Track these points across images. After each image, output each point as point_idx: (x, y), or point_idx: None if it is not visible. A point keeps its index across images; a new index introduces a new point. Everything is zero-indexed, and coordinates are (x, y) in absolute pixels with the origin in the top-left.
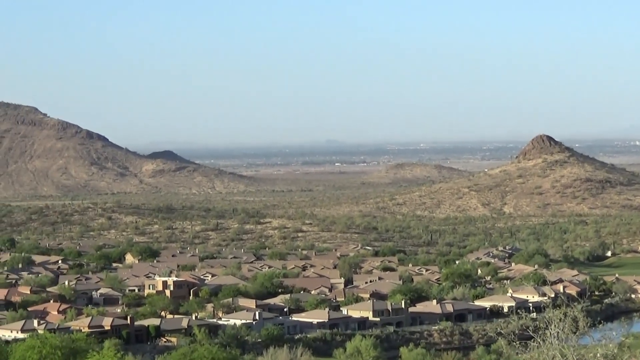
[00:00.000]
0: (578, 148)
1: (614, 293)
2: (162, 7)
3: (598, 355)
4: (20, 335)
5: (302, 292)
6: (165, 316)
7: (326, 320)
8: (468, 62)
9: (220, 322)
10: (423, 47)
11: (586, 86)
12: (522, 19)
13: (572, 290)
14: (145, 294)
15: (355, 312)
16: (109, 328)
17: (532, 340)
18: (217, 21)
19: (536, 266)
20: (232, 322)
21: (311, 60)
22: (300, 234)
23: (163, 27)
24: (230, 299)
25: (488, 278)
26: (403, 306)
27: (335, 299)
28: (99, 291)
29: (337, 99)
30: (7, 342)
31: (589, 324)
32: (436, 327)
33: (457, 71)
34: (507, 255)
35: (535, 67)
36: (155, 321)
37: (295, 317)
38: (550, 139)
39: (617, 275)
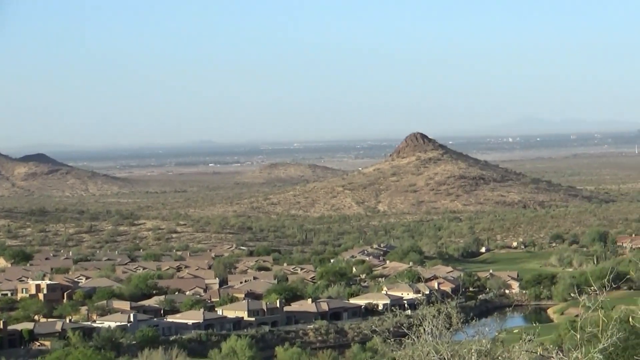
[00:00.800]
0: (452, 145)
1: (488, 289)
2: (33, 16)
3: (472, 350)
4: None
5: (176, 293)
6: (39, 320)
7: (201, 321)
8: (340, 61)
9: (94, 324)
10: (295, 47)
11: (459, 84)
12: (398, 17)
13: (447, 287)
14: (19, 298)
15: (230, 312)
16: None
17: (407, 337)
18: (94, 25)
19: (411, 263)
20: (106, 324)
21: (185, 62)
22: (174, 235)
23: (36, 33)
24: (105, 302)
25: (363, 276)
26: (278, 305)
27: (210, 299)
28: None
29: (210, 100)
30: None
31: (462, 320)
32: (311, 326)
33: (329, 71)
34: (381, 253)
35: (408, 66)
36: (29, 325)
37: (170, 319)
38: (423, 136)
39: (491, 271)
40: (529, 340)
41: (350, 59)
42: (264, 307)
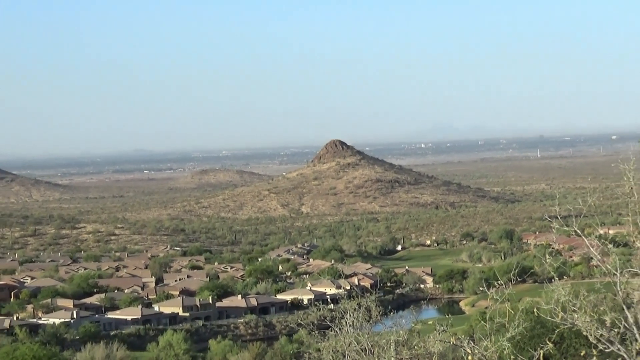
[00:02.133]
0: (369, 151)
1: (404, 284)
2: None
3: (390, 341)
4: None
5: (116, 291)
6: None
7: (139, 316)
8: (265, 71)
9: (40, 321)
10: (220, 56)
11: (376, 93)
12: (318, 24)
13: (366, 283)
14: None
15: (166, 308)
16: None
17: (330, 329)
18: (33, 36)
19: (332, 261)
20: (51, 321)
21: (117, 73)
22: (113, 237)
23: None
24: (49, 300)
25: (288, 273)
26: (210, 301)
27: (148, 296)
28: None
29: (143, 110)
30: None
31: (381, 313)
32: (242, 320)
33: (254, 80)
34: (305, 251)
35: (328, 75)
36: None
37: (110, 315)
38: (342, 143)
39: (407, 267)
40: (443, 331)
41: (275, 69)
42: (198, 303)
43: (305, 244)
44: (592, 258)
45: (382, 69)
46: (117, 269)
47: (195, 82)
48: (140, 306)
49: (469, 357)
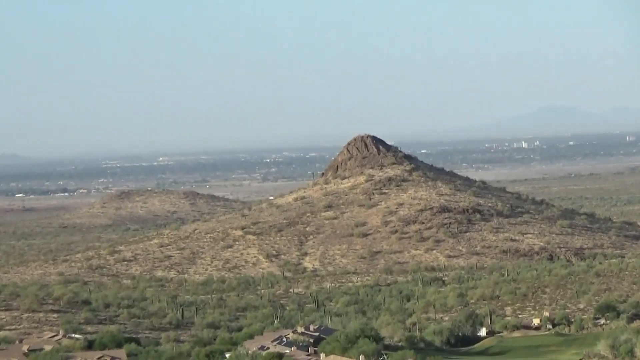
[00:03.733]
0: (424, 157)
1: None
2: None
3: None
4: None
5: None
6: None
7: None
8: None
9: None
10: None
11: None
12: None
13: None
14: None
15: None
16: None
17: None
18: None
19: (362, 358)
20: None
21: None
22: None
23: None
24: None
25: None
26: None
27: None
28: None
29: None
30: None
31: None
32: None
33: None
34: (312, 341)
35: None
36: None
37: None
38: (377, 142)
39: None
40: None
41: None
42: None
43: (312, 327)
44: None
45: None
46: None
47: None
48: None
49: None
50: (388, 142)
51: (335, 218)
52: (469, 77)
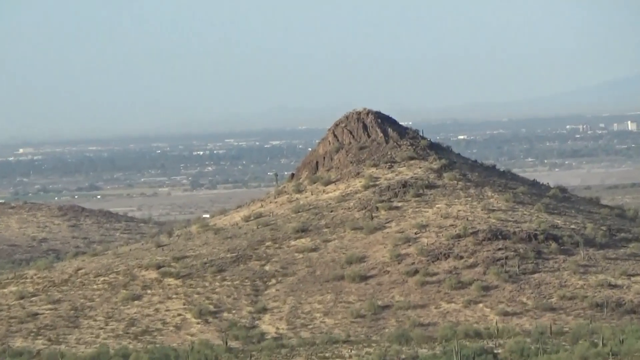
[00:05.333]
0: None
1: None
2: None
3: None
4: None
5: None
6: None
7: None
8: None
9: None
10: None
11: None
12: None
13: None
14: None
15: None
16: None
17: None
18: None
19: None
20: None
21: None
22: None
23: None
24: None
25: None
26: None
27: None
28: None
29: None
30: None
31: None
32: None
33: None
34: None
35: None
36: None
37: None
38: (382, 119)
39: None
40: None
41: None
42: None
43: None
44: None
45: None
46: None
47: None
48: None
49: None
50: (401, 123)
51: (314, 249)
52: None
